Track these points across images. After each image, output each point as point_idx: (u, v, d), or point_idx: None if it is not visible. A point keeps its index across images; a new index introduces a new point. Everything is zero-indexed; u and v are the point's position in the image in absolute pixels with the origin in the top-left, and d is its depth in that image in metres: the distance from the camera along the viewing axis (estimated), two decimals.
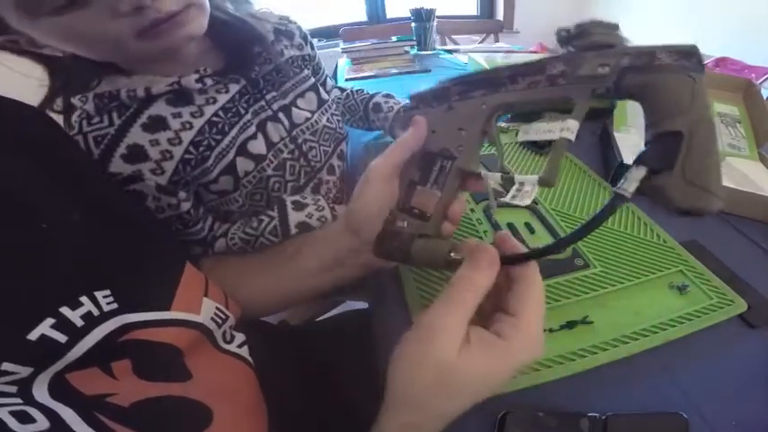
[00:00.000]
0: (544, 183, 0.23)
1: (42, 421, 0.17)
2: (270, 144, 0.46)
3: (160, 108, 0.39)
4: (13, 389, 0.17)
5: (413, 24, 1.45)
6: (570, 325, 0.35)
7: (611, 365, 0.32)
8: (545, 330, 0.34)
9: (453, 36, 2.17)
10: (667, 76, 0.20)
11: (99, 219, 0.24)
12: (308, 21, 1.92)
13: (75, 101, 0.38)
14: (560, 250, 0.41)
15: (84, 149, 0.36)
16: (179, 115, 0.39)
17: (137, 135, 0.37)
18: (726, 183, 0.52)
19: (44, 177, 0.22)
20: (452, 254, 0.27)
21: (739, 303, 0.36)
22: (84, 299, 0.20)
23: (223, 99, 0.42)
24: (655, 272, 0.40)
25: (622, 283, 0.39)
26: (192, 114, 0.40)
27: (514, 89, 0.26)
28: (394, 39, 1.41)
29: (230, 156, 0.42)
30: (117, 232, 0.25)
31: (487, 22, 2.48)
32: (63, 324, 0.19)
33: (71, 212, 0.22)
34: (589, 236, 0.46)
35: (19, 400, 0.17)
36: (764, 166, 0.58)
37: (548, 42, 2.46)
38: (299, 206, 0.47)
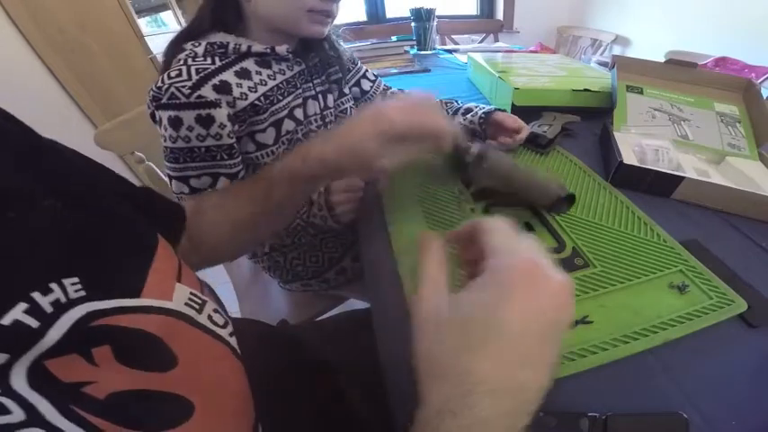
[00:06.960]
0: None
1: (18, 413, 0.17)
2: (306, 115, 0.63)
3: (249, 64, 0.55)
4: None
5: (413, 24, 1.45)
6: (570, 325, 0.35)
7: (611, 365, 0.32)
8: None
9: (453, 36, 2.17)
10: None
11: (66, 203, 0.23)
12: None
13: (188, 45, 0.53)
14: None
15: (185, 77, 0.48)
16: (259, 74, 0.56)
17: (229, 76, 0.52)
18: (726, 182, 0.52)
19: (8, 163, 0.22)
20: None
21: (739, 303, 0.36)
22: (53, 285, 0.20)
23: (289, 74, 0.60)
24: (655, 272, 0.40)
25: (622, 282, 0.39)
26: (269, 76, 0.57)
27: None
28: (394, 38, 1.41)
29: (282, 114, 0.58)
30: (84, 217, 0.24)
31: (487, 22, 2.48)
32: (35, 309, 0.18)
33: (41, 198, 0.21)
34: (589, 236, 0.46)
35: None
36: (764, 166, 0.58)
37: (547, 42, 2.46)
38: None
